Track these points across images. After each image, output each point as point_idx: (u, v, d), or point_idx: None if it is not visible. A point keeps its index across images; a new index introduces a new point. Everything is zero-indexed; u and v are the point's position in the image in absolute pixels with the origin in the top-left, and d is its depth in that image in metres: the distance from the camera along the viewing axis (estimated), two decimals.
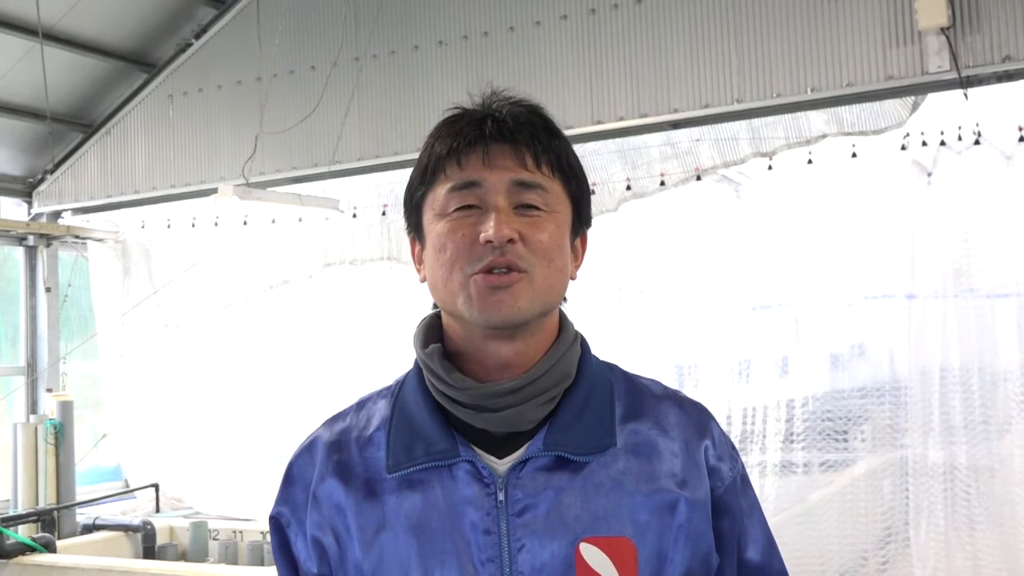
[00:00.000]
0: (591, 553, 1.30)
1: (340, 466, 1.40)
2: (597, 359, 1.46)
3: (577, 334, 1.45)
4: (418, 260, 1.44)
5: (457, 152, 1.36)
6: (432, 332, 1.43)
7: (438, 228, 1.36)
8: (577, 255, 1.45)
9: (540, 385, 1.36)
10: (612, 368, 1.48)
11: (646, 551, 1.32)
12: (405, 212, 1.45)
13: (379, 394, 1.48)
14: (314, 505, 1.40)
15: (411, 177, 1.43)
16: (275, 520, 1.45)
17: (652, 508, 1.34)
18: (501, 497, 1.32)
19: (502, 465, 1.35)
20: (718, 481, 1.41)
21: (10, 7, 5.90)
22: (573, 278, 1.44)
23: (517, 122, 1.38)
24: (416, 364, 1.44)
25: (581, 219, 1.44)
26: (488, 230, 1.32)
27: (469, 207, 1.35)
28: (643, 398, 1.44)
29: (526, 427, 1.35)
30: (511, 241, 1.32)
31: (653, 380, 1.50)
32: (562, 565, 1.30)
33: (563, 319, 1.44)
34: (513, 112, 1.39)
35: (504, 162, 1.35)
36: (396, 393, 1.44)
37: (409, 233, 1.46)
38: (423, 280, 1.43)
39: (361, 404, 1.48)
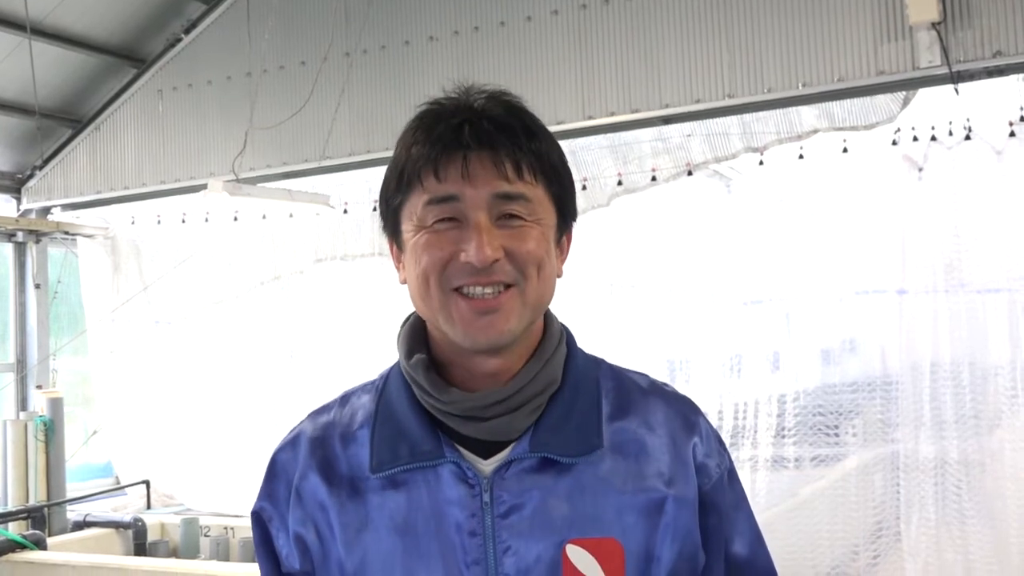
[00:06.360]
0: (577, 554, 1.29)
1: (323, 463, 1.39)
2: (583, 354, 1.44)
3: (562, 332, 1.42)
4: (398, 260, 1.40)
5: (435, 161, 1.30)
6: (415, 337, 1.40)
7: (416, 240, 1.32)
8: (563, 251, 1.42)
9: (527, 393, 1.33)
10: (599, 364, 1.45)
11: (633, 551, 1.31)
12: (382, 215, 1.40)
13: (363, 388, 1.45)
14: (297, 501, 1.38)
15: (386, 179, 1.37)
16: (257, 515, 1.44)
17: (639, 508, 1.33)
18: (486, 498, 1.31)
19: (487, 466, 1.33)
20: (705, 478, 1.40)
21: None
22: (559, 275, 1.40)
23: (496, 125, 1.31)
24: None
25: (566, 218, 1.40)
26: (470, 252, 1.28)
27: (449, 219, 1.31)
28: (630, 394, 1.42)
29: (513, 436, 1.33)
30: (495, 260, 1.29)
31: (640, 373, 1.47)
32: (548, 567, 1.29)
33: (547, 316, 1.41)
34: (491, 114, 1.32)
35: (484, 174, 1.29)
36: (380, 389, 1.42)
37: (386, 234, 1.41)
38: (403, 282, 1.39)
39: (345, 398, 1.46)
